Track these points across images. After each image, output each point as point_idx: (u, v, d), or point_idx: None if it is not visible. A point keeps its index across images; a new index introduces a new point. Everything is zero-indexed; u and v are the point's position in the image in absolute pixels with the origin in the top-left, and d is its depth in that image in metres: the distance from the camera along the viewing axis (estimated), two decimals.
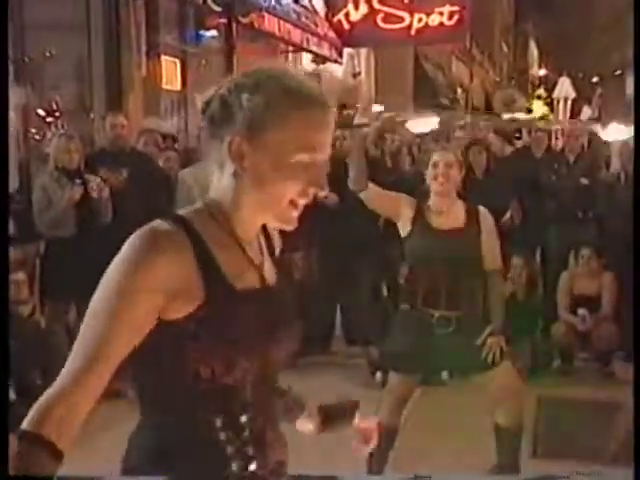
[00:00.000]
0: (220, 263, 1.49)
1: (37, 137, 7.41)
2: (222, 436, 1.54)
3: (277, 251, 1.73)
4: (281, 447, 1.72)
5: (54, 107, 7.51)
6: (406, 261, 4.54)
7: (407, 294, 4.39)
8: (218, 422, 1.54)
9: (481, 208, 4.36)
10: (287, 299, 1.69)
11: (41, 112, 7.44)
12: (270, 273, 1.62)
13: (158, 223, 1.47)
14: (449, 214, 4.30)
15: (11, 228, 6.10)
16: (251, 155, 1.43)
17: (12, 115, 7.14)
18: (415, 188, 4.74)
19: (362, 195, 4.35)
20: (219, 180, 1.52)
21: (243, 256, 1.54)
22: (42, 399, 1.36)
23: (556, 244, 6.84)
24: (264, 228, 1.66)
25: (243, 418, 1.56)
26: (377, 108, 13.29)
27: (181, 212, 1.54)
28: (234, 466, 1.57)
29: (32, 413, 1.34)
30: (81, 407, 1.37)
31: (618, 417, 5.08)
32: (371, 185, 4.25)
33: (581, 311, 6.36)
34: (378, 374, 5.51)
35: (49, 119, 7.40)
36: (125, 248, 1.44)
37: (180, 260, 1.43)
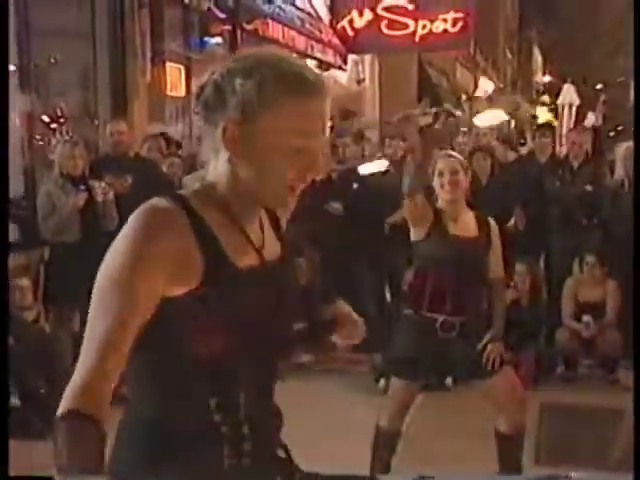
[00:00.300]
0: (220, 241, 1.49)
1: (42, 143, 7.43)
2: (217, 417, 1.54)
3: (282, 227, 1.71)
4: (277, 427, 1.74)
5: (59, 113, 7.50)
6: (414, 265, 4.58)
7: (412, 299, 4.41)
8: (212, 404, 1.54)
9: (491, 221, 4.43)
10: (287, 279, 1.68)
11: (46, 119, 7.45)
12: (271, 252, 1.61)
13: (157, 200, 1.48)
14: (461, 221, 4.39)
15: (16, 234, 6.35)
16: (245, 141, 1.43)
17: (17, 122, 7.20)
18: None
19: (405, 202, 4.40)
20: (214, 166, 1.51)
21: (242, 236, 1.54)
22: (73, 380, 1.36)
23: (560, 251, 6.82)
24: (270, 214, 1.65)
25: (239, 399, 1.56)
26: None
27: (180, 192, 1.54)
28: (228, 446, 1.58)
29: (67, 395, 1.35)
30: (111, 379, 1.37)
31: (622, 424, 5.05)
32: (416, 199, 4.29)
33: (585, 318, 6.38)
34: (382, 381, 5.50)
35: (54, 125, 7.39)
36: (126, 225, 1.45)
37: (179, 236, 1.43)
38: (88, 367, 1.38)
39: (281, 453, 1.75)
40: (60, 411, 1.34)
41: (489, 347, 4.33)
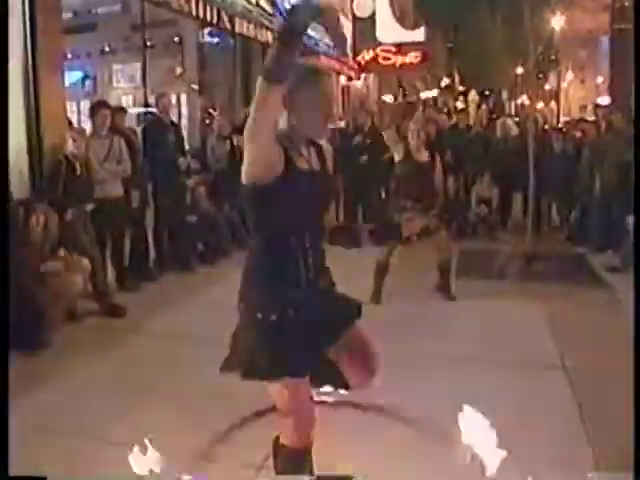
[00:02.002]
0: (290, 154, 2.23)
1: (208, 121, 10.82)
2: (295, 247, 2.28)
3: (327, 157, 2.43)
4: (329, 276, 2.47)
5: (215, 107, 11.29)
6: (397, 174, 5.88)
7: (394, 194, 5.88)
8: (293, 239, 2.28)
9: (437, 155, 6.09)
10: (326, 179, 2.39)
11: (210, 110, 11.19)
12: (315, 164, 2.35)
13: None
14: (420, 154, 5.95)
15: (195, 165, 8.17)
16: (295, 102, 2.21)
17: (198, 112, 11.22)
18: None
19: (385, 135, 6.03)
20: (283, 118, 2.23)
21: (297, 153, 2.28)
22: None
23: (472, 171, 9.74)
24: (314, 143, 2.38)
25: (305, 239, 2.31)
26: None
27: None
28: (304, 273, 2.31)
29: None
30: None
31: (499, 256, 7.62)
32: (389, 130, 6.05)
33: (482, 206, 9.53)
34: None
35: (213, 112, 11.09)
36: None
37: (277, 152, 2.18)
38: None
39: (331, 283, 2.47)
40: None
41: (433, 220, 5.78)
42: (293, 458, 2.37)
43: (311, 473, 2.40)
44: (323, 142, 2.41)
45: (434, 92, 33.09)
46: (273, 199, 2.16)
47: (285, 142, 2.22)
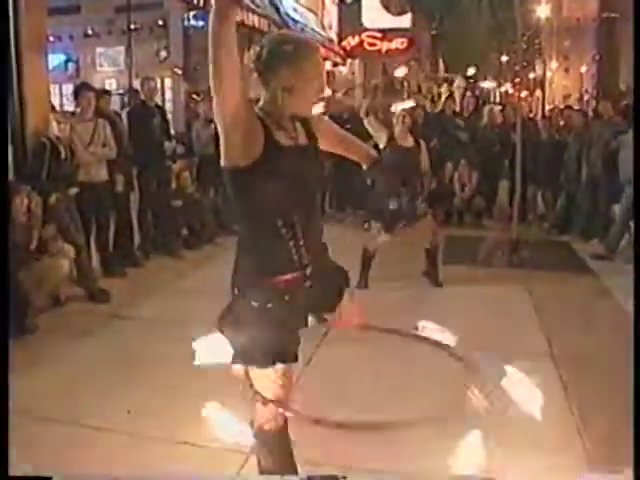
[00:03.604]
0: (272, 132, 2.14)
1: (192, 105, 10.88)
2: (282, 230, 2.18)
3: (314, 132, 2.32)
4: (325, 255, 2.41)
5: (199, 93, 11.13)
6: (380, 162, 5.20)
7: (381, 182, 5.56)
8: (279, 222, 2.18)
9: (422, 141, 6.17)
10: (311, 154, 2.27)
11: (194, 96, 11.29)
12: (302, 140, 2.26)
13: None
14: (405, 140, 6.01)
15: (182, 150, 8.63)
16: (292, 77, 2.11)
17: (182, 96, 11.30)
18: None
19: (365, 121, 5.76)
20: (266, 93, 2.17)
21: (282, 130, 2.19)
22: None
23: (454, 158, 9.70)
24: (302, 118, 2.28)
25: (294, 220, 2.20)
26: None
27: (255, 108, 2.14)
28: (295, 255, 2.22)
29: None
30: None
31: (485, 242, 7.59)
32: (370, 118, 5.78)
33: (465, 189, 9.66)
34: (365, 224, 6.36)
35: (197, 98, 11.04)
36: None
37: (254, 126, 2.09)
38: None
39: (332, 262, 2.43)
40: None
41: (420, 205, 5.91)
42: (277, 441, 2.34)
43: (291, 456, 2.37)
44: (314, 115, 2.34)
45: (420, 77, 33.53)
46: (256, 181, 2.10)
47: (265, 119, 2.15)
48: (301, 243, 2.21)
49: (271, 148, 2.10)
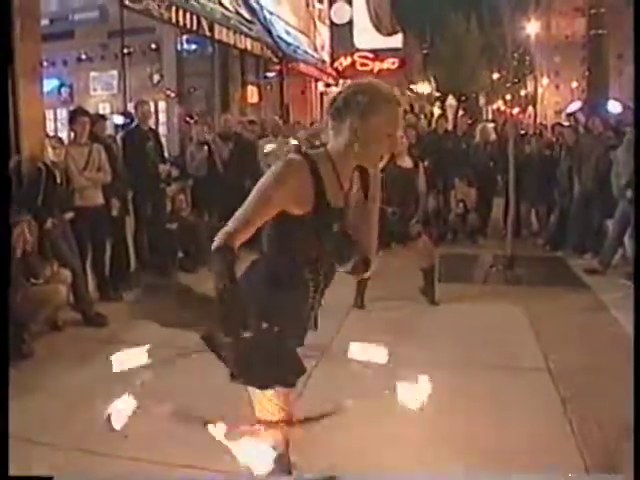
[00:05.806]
0: (325, 186, 2.03)
1: (185, 129, 11.06)
2: (307, 275, 2.15)
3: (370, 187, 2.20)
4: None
5: (194, 115, 11.52)
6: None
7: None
8: (306, 270, 2.14)
9: (420, 161, 6.17)
10: (366, 216, 2.18)
11: (188, 118, 11.49)
12: (355, 199, 2.16)
13: (294, 156, 2.00)
14: (403, 160, 5.96)
15: (175, 172, 8.25)
16: (361, 130, 1.99)
17: (176, 119, 11.39)
18: None
19: None
20: (333, 143, 2.05)
21: (338, 185, 2.09)
22: (226, 228, 1.93)
23: (450, 176, 9.78)
24: (362, 172, 2.17)
25: (320, 270, 2.18)
26: None
27: (309, 152, 2.07)
28: (312, 295, 2.20)
29: (221, 236, 1.91)
30: (244, 235, 1.95)
31: (480, 260, 7.86)
32: None
33: (460, 205, 9.66)
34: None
35: (191, 120, 11.10)
36: (272, 167, 2.00)
37: (302, 180, 1.97)
38: (235, 225, 1.92)
39: None
40: (216, 244, 1.89)
41: (416, 226, 5.94)
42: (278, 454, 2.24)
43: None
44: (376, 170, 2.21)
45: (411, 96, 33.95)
46: (297, 233, 2.06)
47: (324, 164, 2.06)
48: (321, 286, 2.21)
49: (320, 207, 2.05)
